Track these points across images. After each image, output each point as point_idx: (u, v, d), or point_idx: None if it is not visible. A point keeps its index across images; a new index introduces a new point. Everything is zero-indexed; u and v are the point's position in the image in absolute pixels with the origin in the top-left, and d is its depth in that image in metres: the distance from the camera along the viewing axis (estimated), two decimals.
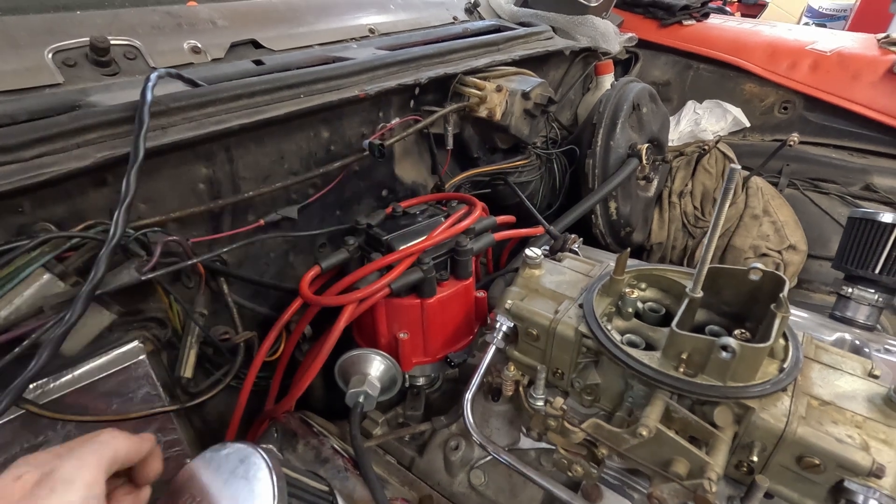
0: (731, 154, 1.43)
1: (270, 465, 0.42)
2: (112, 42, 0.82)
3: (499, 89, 0.99)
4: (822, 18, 5.52)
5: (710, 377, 0.54)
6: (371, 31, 1.24)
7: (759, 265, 0.62)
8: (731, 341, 0.51)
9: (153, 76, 0.63)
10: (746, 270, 0.62)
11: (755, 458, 0.52)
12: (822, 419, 0.52)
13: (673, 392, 0.56)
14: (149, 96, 0.60)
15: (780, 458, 0.52)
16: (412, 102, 1.01)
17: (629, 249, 0.67)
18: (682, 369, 0.55)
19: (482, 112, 1.00)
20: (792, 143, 1.21)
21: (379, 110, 0.91)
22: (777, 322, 0.54)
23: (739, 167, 0.52)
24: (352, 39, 1.18)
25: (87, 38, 0.79)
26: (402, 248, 0.76)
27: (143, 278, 0.52)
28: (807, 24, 5.47)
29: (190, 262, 0.59)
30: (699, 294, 0.60)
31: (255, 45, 1.01)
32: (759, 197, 1.38)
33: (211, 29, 0.97)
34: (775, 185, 1.44)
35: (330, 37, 1.15)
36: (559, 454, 0.64)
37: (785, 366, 0.55)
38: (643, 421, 0.52)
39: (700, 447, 0.55)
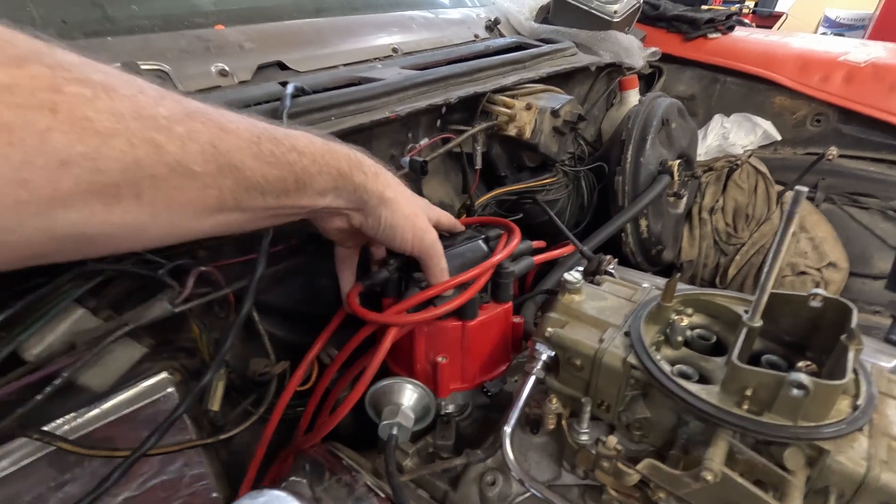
0: (764, 168, 1.39)
1: None
2: (142, 67, 0.82)
3: (528, 107, 0.97)
4: (839, 28, 5.45)
5: (779, 416, 0.50)
6: (394, 50, 1.24)
7: (821, 290, 0.58)
8: (803, 378, 0.47)
9: (290, 87, 0.75)
10: (806, 297, 0.58)
11: None
12: None
13: (736, 431, 0.52)
14: (287, 103, 0.69)
15: None
16: (439, 122, 0.99)
17: (679, 274, 0.64)
18: (745, 406, 0.51)
19: (511, 131, 0.98)
20: (831, 157, 1.17)
21: (408, 130, 0.90)
22: (850, 355, 0.50)
23: (806, 188, 0.48)
24: (376, 59, 1.17)
25: (119, 64, 0.79)
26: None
27: (177, 310, 0.50)
28: (824, 34, 5.41)
29: (223, 292, 0.57)
30: (758, 323, 0.56)
31: (282, 66, 1.01)
32: None
33: (238, 52, 0.97)
34: (811, 200, 1.39)
35: (354, 57, 1.14)
36: (608, 495, 0.60)
37: (859, 402, 0.51)
38: (707, 464, 0.48)
39: (766, 492, 0.51)
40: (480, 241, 0.84)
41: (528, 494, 0.72)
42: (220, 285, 0.57)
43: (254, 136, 0.43)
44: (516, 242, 0.83)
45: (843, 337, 0.52)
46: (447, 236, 0.87)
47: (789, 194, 1.34)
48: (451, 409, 0.89)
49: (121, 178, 0.34)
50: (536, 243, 0.96)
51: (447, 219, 0.77)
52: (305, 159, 0.48)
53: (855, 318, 0.53)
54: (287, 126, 0.52)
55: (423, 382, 0.78)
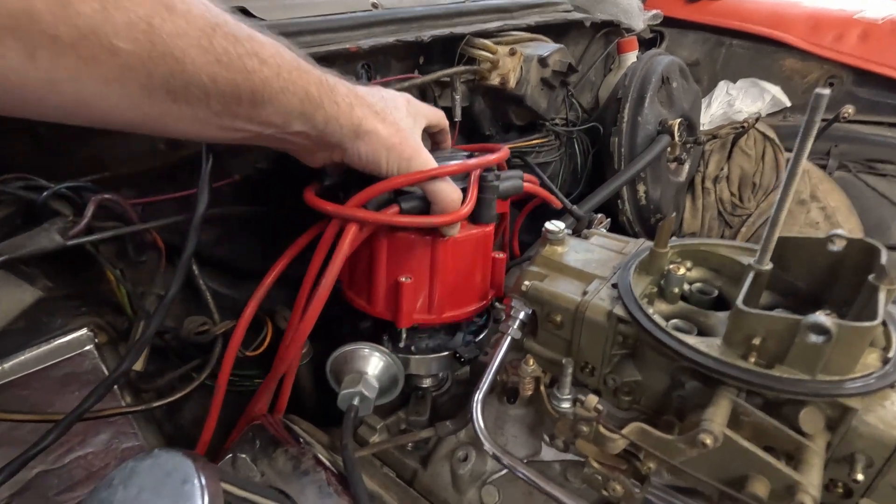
0: (772, 134, 1.30)
1: (203, 481, 0.31)
2: None
3: (512, 53, 0.88)
4: None
5: (794, 369, 0.41)
6: (374, 5, 1.15)
7: (841, 231, 0.49)
8: (824, 320, 0.38)
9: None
10: (824, 239, 0.50)
11: (859, 477, 0.40)
12: None
13: (742, 388, 0.43)
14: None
15: (893, 478, 0.39)
16: (416, 71, 0.90)
17: (674, 215, 0.55)
18: (752, 359, 0.43)
19: (494, 79, 0.89)
20: (846, 114, 1.07)
21: (376, 73, 0.81)
22: (882, 296, 0.41)
23: (828, 91, 0.40)
24: (353, 13, 1.09)
25: None
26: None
27: (70, 244, 0.42)
28: None
29: (135, 228, 0.49)
30: (768, 266, 0.47)
31: (245, 13, 0.92)
32: (806, 181, 1.24)
33: None
34: (823, 167, 1.30)
35: (329, 9, 1.05)
36: (591, 468, 0.51)
37: (890, 355, 0.43)
38: (705, 425, 0.40)
39: (778, 460, 0.42)
40: (464, 156, 0.74)
41: (503, 471, 0.64)
42: (132, 220, 0.49)
43: (208, 24, 0.37)
44: (505, 152, 0.72)
45: (870, 277, 0.44)
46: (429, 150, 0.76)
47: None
48: (426, 382, 0.80)
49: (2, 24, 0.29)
50: (528, 177, 0.85)
51: (436, 116, 0.69)
52: (267, 70, 0.42)
53: (884, 257, 0.45)
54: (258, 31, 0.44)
55: (384, 310, 0.68)
